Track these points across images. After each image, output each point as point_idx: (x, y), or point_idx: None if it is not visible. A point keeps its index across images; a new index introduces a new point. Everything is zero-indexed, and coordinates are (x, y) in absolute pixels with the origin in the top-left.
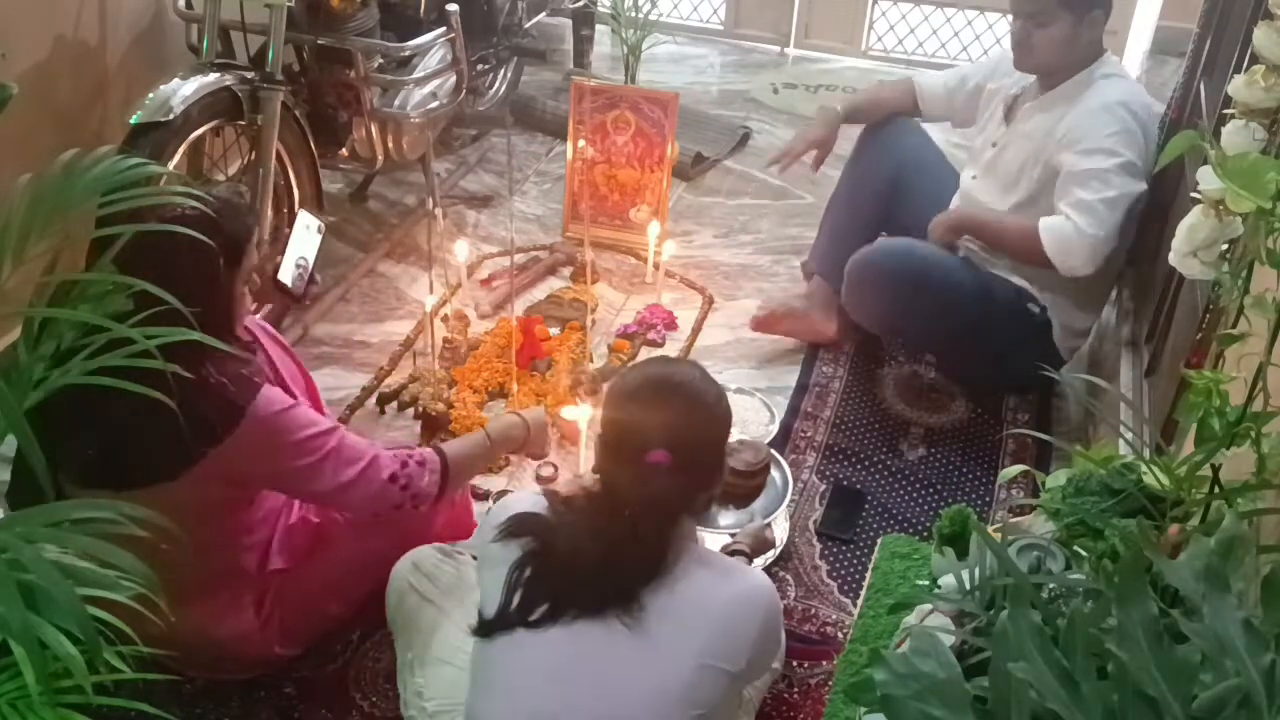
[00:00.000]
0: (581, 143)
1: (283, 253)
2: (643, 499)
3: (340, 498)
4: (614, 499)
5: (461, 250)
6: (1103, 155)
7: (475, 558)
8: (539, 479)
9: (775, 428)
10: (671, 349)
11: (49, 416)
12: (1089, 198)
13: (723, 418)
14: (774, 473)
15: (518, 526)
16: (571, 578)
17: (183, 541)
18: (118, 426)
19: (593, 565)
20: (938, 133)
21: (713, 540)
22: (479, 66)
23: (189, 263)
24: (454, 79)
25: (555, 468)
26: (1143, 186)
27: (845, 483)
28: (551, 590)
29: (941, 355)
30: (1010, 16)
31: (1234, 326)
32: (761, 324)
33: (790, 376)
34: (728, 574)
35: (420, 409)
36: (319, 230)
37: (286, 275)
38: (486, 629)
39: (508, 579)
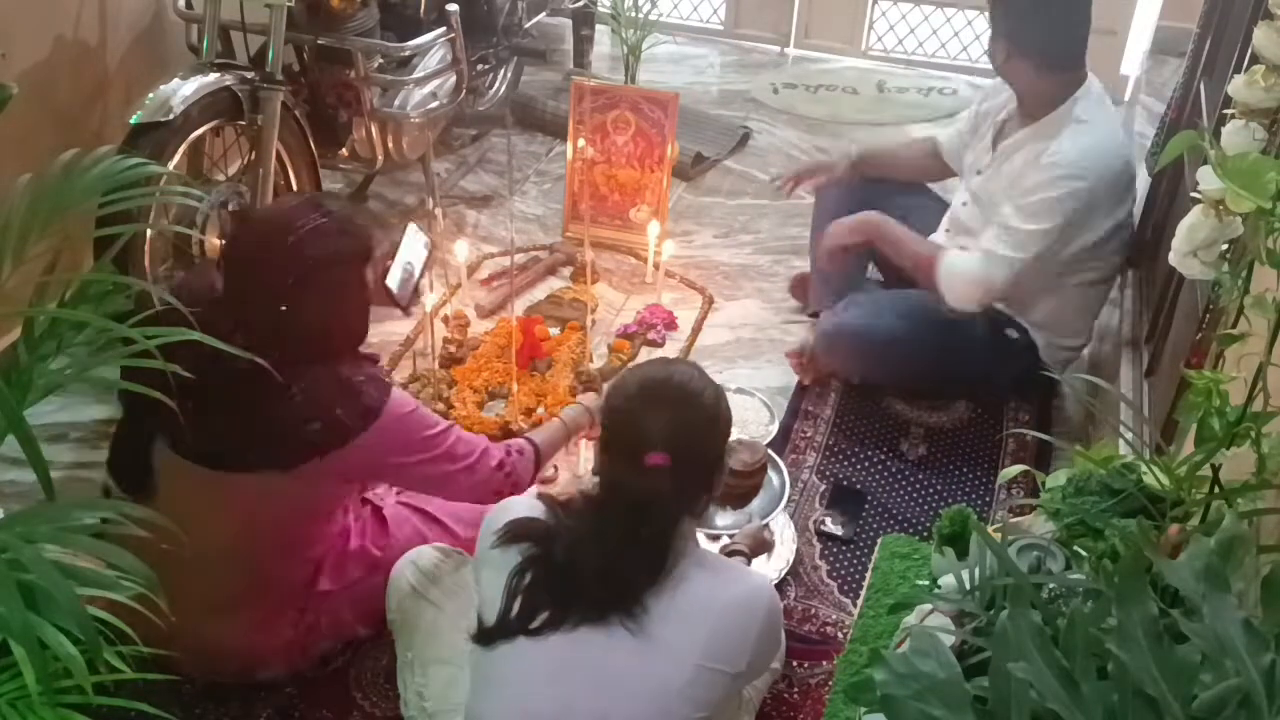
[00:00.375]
0: (581, 143)
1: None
2: (643, 501)
3: (451, 486)
4: (614, 501)
5: (461, 250)
6: (1021, 214)
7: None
8: (540, 480)
9: (775, 428)
10: (671, 349)
11: (183, 385)
12: (991, 249)
13: (722, 418)
14: (771, 474)
15: (516, 531)
16: (572, 583)
17: (183, 542)
18: (255, 410)
19: (594, 570)
20: None
21: (709, 541)
22: (479, 66)
23: (338, 271)
24: (454, 79)
25: (556, 469)
26: (1059, 247)
27: (845, 483)
28: (552, 597)
29: (931, 390)
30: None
31: (1234, 326)
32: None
33: (790, 376)
34: (728, 575)
35: None
36: (426, 245)
37: (394, 281)
38: (487, 637)
39: (508, 586)
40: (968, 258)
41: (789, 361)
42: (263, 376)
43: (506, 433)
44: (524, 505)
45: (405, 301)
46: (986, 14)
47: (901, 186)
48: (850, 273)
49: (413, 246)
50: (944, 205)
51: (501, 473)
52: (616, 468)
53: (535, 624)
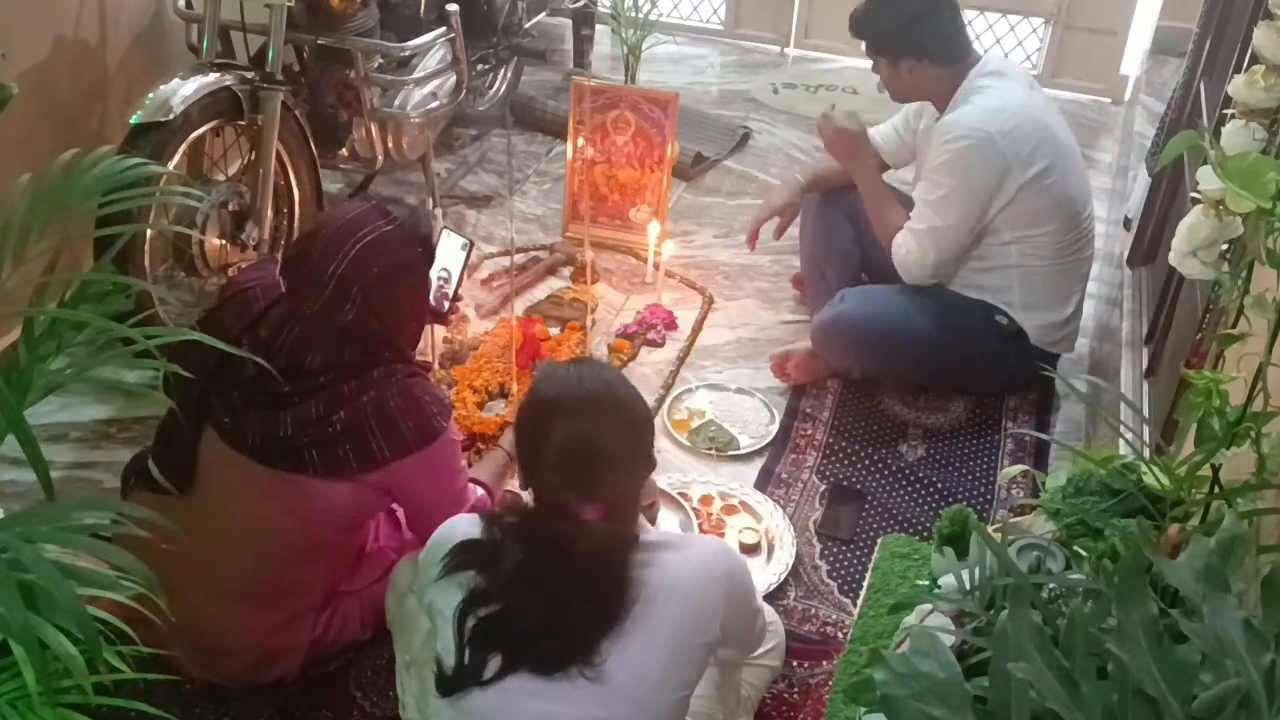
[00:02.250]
0: (581, 142)
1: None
2: (594, 551)
3: (438, 521)
4: (550, 552)
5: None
6: (929, 185)
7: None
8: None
9: (775, 427)
10: (672, 349)
11: (230, 391)
12: (915, 225)
13: (638, 425)
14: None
15: (460, 561)
16: (517, 629)
17: (182, 539)
18: (325, 413)
19: (538, 621)
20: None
21: None
22: (479, 66)
23: (403, 285)
24: (454, 79)
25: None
26: (975, 207)
27: (845, 483)
28: (499, 643)
29: (927, 384)
30: (1010, 17)
31: (1234, 326)
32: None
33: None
34: (683, 549)
35: None
36: (464, 248)
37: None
38: (446, 687)
39: (456, 631)
40: (904, 237)
41: (771, 364)
42: (325, 377)
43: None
44: (466, 526)
45: (444, 310)
46: (988, 14)
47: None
48: (842, 275)
49: (449, 252)
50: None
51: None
52: (546, 519)
53: (487, 675)
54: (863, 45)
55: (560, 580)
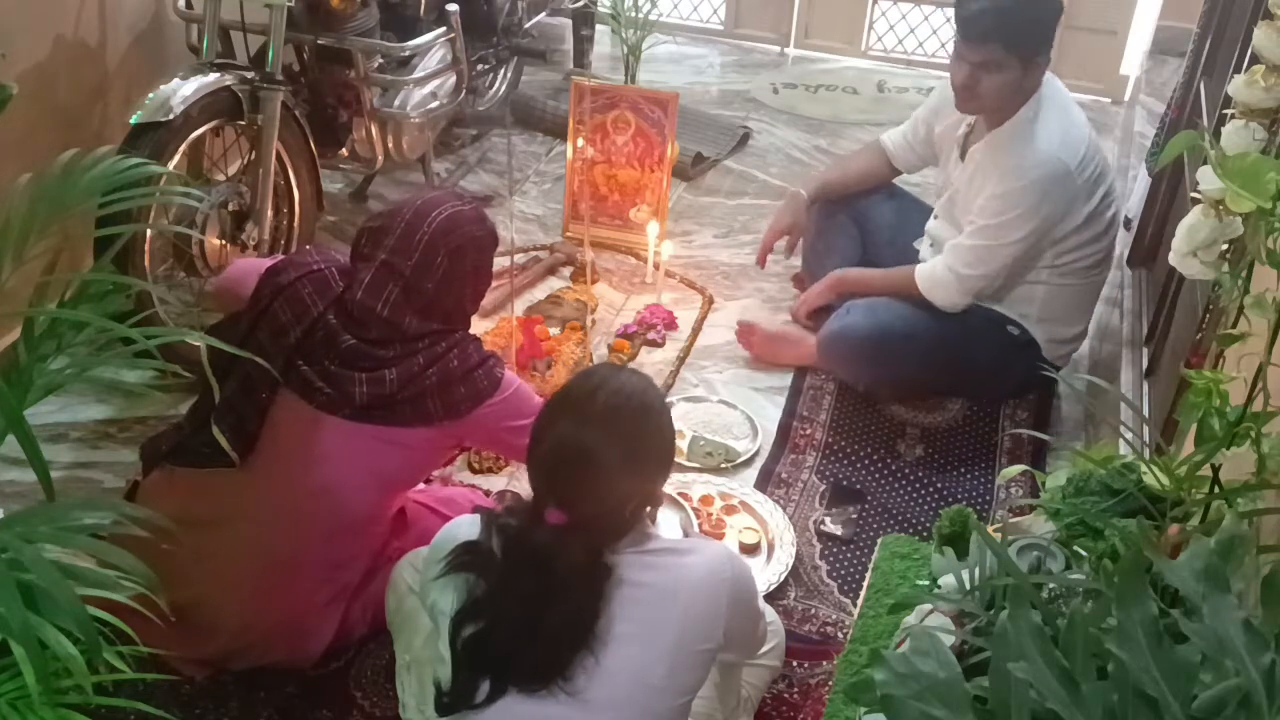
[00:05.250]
0: (581, 142)
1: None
2: (562, 560)
3: None
4: (523, 560)
5: None
6: (990, 210)
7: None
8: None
9: (755, 445)
10: (672, 349)
11: (324, 358)
12: (965, 242)
13: (642, 456)
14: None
15: (457, 563)
16: (502, 654)
17: (180, 542)
18: (418, 374)
19: (519, 630)
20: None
21: None
22: (479, 66)
23: (477, 258)
24: (454, 79)
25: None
26: (1036, 237)
27: (844, 483)
28: (488, 665)
29: (934, 391)
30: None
31: (1234, 326)
32: (748, 339)
33: (786, 376)
34: (687, 554)
35: None
36: None
37: None
38: (445, 709)
39: (450, 649)
40: (943, 269)
41: (737, 329)
42: (422, 341)
43: None
44: (468, 526)
45: None
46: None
47: (877, 189)
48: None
49: None
50: (919, 201)
51: None
52: (530, 521)
53: (479, 699)
54: (981, 48)
55: (539, 586)
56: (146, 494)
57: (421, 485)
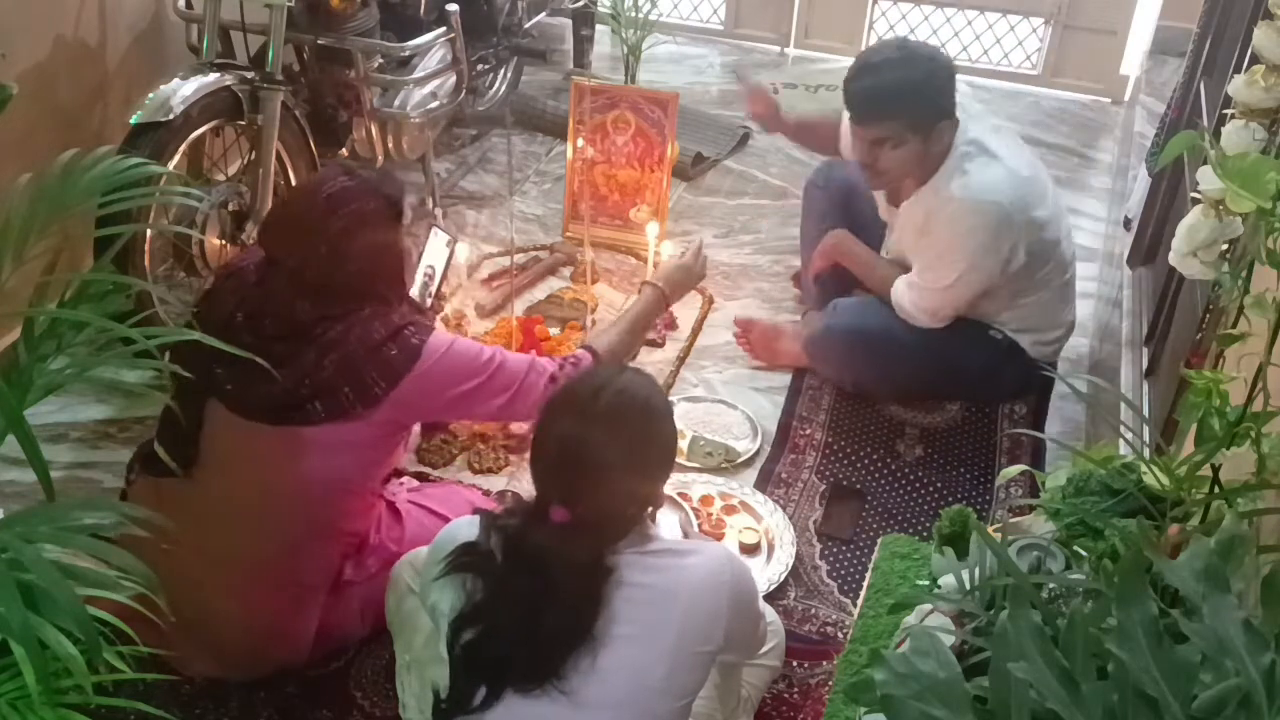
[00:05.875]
0: (581, 142)
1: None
2: (548, 559)
3: (509, 409)
4: (524, 557)
5: (462, 250)
6: (936, 263)
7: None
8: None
9: (755, 445)
10: (672, 349)
11: (234, 361)
12: (916, 282)
13: (644, 451)
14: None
15: (456, 564)
16: (498, 658)
17: (188, 521)
18: (316, 362)
19: (517, 632)
20: None
21: None
22: (479, 66)
23: (369, 233)
24: (454, 79)
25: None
26: (987, 280)
27: (845, 483)
28: (484, 670)
29: (931, 395)
30: (1010, 17)
31: (1234, 326)
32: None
33: (786, 376)
34: (688, 555)
35: None
36: (449, 244)
37: (414, 290)
38: (442, 715)
39: (449, 655)
40: (907, 302)
41: (736, 326)
42: (317, 329)
43: (506, 433)
44: (468, 527)
45: (426, 306)
46: (988, 14)
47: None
48: (841, 274)
49: (435, 249)
50: None
51: (556, 385)
52: (532, 520)
53: (475, 704)
54: (874, 127)
55: (538, 586)
56: (132, 499)
57: (415, 484)
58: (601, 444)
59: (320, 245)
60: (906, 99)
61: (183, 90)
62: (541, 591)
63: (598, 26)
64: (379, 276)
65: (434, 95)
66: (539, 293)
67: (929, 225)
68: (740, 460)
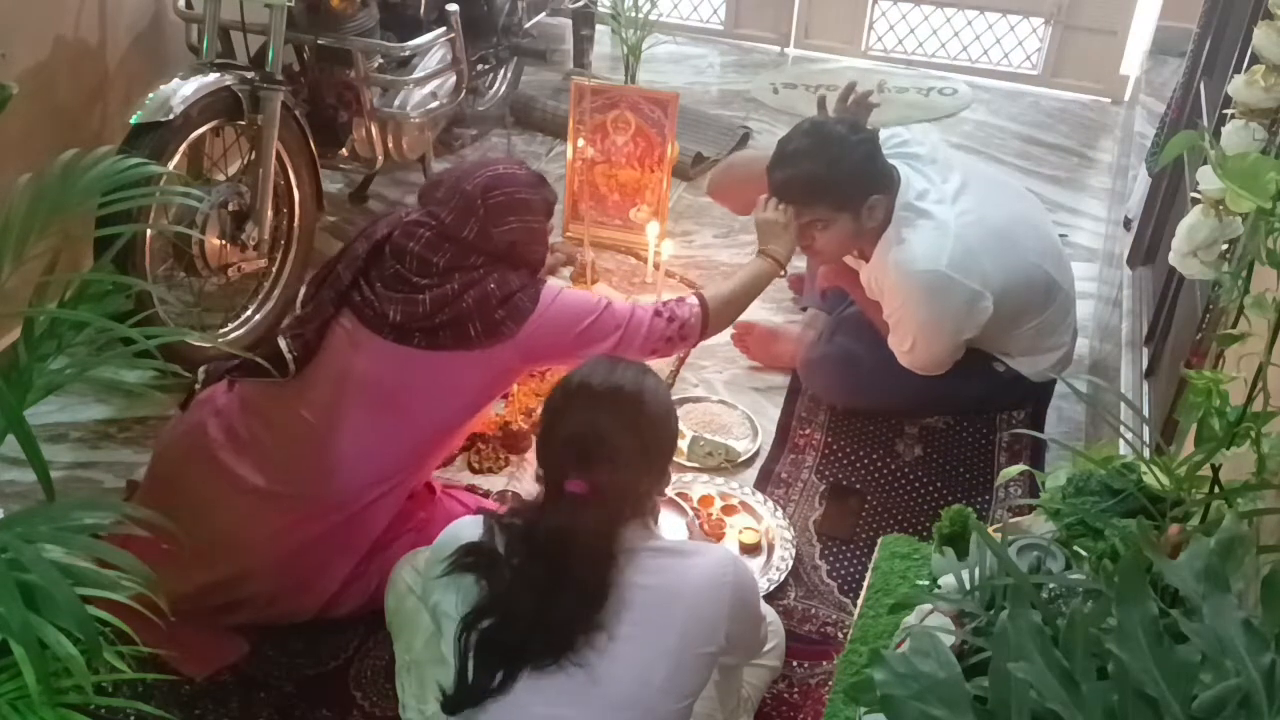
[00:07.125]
0: (581, 142)
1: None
2: (566, 534)
3: (623, 344)
4: (541, 534)
5: None
6: (901, 337)
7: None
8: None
9: (755, 445)
10: None
11: (374, 280)
12: (895, 343)
13: (663, 425)
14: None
15: (461, 562)
16: (516, 636)
17: (180, 538)
18: (453, 296)
19: (531, 619)
20: None
21: None
22: (479, 66)
23: (521, 211)
24: (454, 79)
25: None
26: (956, 339)
27: (845, 483)
28: (500, 655)
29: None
30: (1010, 17)
31: (1234, 326)
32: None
33: (786, 376)
34: (690, 556)
35: None
36: None
37: None
38: (451, 706)
39: (457, 646)
40: (900, 359)
41: (734, 330)
42: (456, 274)
43: (507, 433)
44: (471, 528)
45: None
46: (988, 14)
47: None
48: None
49: None
50: None
51: (662, 319)
52: (543, 494)
53: (493, 684)
54: (803, 211)
55: (552, 571)
56: (196, 402)
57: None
58: (618, 420)
59: (475, 212)
60: (821, 186)
61: (183, 90)
62: (555, 577)
63: (598, 26)
64: (526, 256)
65: (434, 95)
66: None
67: (881, 295)
68: (740, 460)
